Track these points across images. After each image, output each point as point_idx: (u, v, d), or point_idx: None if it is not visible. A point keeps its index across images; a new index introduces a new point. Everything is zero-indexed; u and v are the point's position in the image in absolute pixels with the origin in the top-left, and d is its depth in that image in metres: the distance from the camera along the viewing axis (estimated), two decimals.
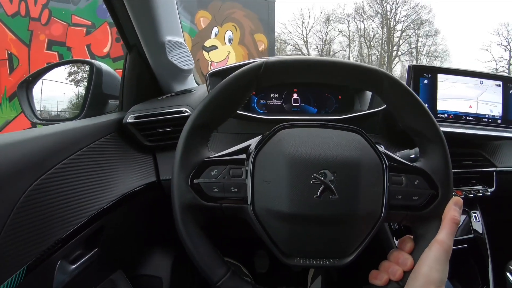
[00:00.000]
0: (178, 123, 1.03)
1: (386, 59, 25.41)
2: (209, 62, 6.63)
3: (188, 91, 1.18)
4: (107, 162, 0.92)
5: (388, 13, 24.47)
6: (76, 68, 1.20)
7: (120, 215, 0.95)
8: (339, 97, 1.19)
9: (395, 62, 25.50)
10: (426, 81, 1.06)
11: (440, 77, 1.07)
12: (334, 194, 0.60)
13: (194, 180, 0.63)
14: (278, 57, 0.65)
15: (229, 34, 6.73)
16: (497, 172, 1.20)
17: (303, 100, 1.19)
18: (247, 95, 0.67)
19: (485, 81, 1.11)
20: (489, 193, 1.18)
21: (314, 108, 1.19)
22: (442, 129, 0.66)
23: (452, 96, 1.09)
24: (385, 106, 1.04)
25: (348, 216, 0.61)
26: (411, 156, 0.88)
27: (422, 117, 0.66)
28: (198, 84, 1.39)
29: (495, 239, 1.22)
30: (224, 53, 6.73)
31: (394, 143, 1.11)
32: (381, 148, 0.67)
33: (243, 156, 0.65)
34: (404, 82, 0.73)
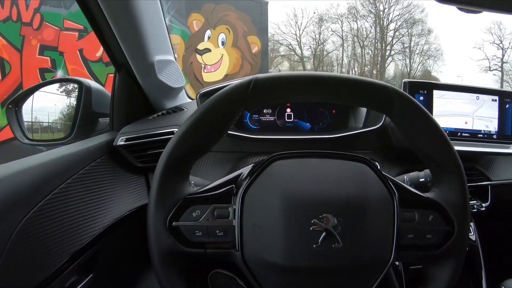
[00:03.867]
0: None
1: (379, 58, 25.43)
2: (202, 65, 6.60)
3: (179, 108, 1.16)
4: (99, 186, 0.90)
5: (381, 13, 24.48)
6: (65, 86, 1.17)
7: (115, 239, 0.93)
8: (333, 111, 1.15)
9: (388, 61, 25.54)
10: (421, 98, 1.04)
11: (436, 93, 1.05)
12: (338, 242, 0.53)
13: (173, 223, 0.56)
14: (269, 73, 0.58)
15: (222, 36, 6.72)
16: (492, 186, 1.16)
17: (297, 115, 1.16)
18: (233, 119, 0.59)
19: (481, 96, 1.09)
20: (484, 208, 1.14)
21: (308, 124, 1.15)
22: None
23: (448, 112, 1.07)
24: (382, 123, 1.01)
25: (353, 265, 0.55)
26: (420, 180, 0.82)
27: (440, 143, 0.59)
28: (190, 98, 1.36)
29: (489, 251, 1.20)
30: (218, 56, 6.72)
31: (389, 159, 1.09)
32: (390, 178, 0.61)
33: (230, 188, 0.59)
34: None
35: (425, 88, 1.05)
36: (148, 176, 1.06)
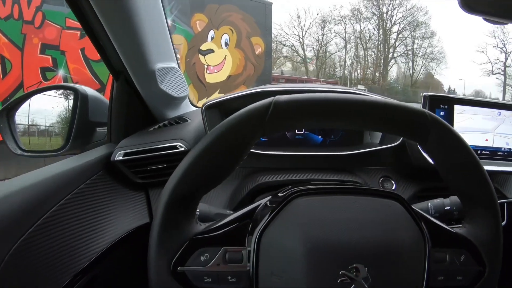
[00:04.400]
0: (172, 159, 0.94)
1: (382, 60, 25.49)
2: (205, 66, 6.56)
3: (182, 119, 1.09)
4: (95, 206, 0.84)
5: (384, 15, 24.57)
6: (60, 94, 1.11)
7: (113, 263, 0.87)
8: None
9: (391, 63, 25.60)
10: (442, 113, 0.98)
11: (457, 108, 0.99)
12: None
13: (179, 268, 0.50)
14: (291, 96, 0.50)
15: (225, 37, 6.68)
16: (508, 204, 1.07)
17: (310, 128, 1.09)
18: (248, 148, 0.51)
19: (502, 112, 1.02)
20: None
21: (320, 137, 1.09)
22: None
23: (469, 129, 1.00)
24: (401, 140, 0.95)
25: None
26: (445, 208, 0.75)
27: (478, 180, 0.53)
28: (193, 105, 1.29)
29: (504, 273, 1.13)
30: (221, 56, 6.67)
31: (404, 177, 1.03)
32: (421, 214, 0.56)
33: (244, 225, 0.53)
34: None
35: (446, 102, 0.98)
36: (148, 192, 0.99)
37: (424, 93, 0.98)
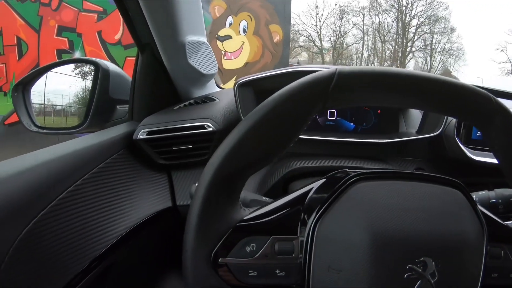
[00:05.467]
0: (199, 139, 0.88)
1: (399, 54, 25.25)
2: (223, 52, 6.47)
3: (210, 98, 1.01)
4: (114, 187, 0.80)
5: (404, 8, 24.25)
6: (80, 68, 1.05)
7: (132, 249, 0.82)
8: (379, 111, 1.01)
9: (409, 58, 25.36)
10: None
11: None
12: None
13: (220, 260, 0.44)
14: (357, 67, 0.45)
15: (244, 24, 6.58)
16: None
17: (339, 113, 1.01)
18: (306, 122, 0.45)
19: None
20: None
21: (352, 124, 1.02)
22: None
23: None
24: (441, 130, 0.88)
25: None
26: (491, 201, 0.69)
27: None
28: (219, 87, 1.22)
29: None
30: (238, 43, 6.58)
31: (438, 170, 0.96)
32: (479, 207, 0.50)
33: (296, 211, 0.46)
34: None
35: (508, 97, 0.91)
36: (171, 174, 0.93)
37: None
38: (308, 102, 0.43)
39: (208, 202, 0.43)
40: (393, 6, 24.42)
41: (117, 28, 5.24)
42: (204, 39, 1.00)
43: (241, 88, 0.90)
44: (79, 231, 0.69)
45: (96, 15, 5.33)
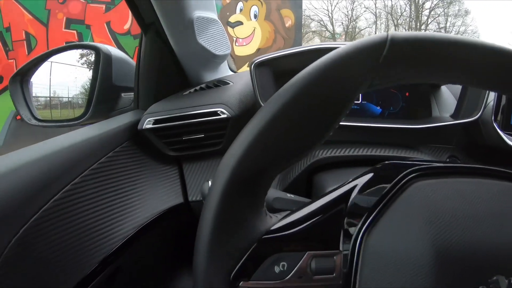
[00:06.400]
0: (212, 127, 0.81)
1: None
2: (234, 39, 6.50)
3: (223, 82, 0.94)
4: (119, 183, 0.75)
5: None
6: (84, 57, 0.99)
7: (139, 251, 0.78)
8: (407, 94, 0.93)
9: None
10: None
11: None
12: None
13: (241, 284, 0.34)
14: (414, 33, 0.35)
15: (254, 9, 6.56)
16: None
17: (365, 96, 0.94)
18: (351, 102, 0.36)
19: None
20: None
21: (378, 108, 0.94)
22: None
23: None
24: (480, 115, 0.79)
25: None
26: None
27: None
28: (233, 71, 1.14)
29: None
30: (250, 29, 6.57)
31: (471, 157, 0.90)
32: None
33: (336, 216, 0.37)
34: None
35: None
36: (182, 167, 0.88)
37: None
38: (355, 75, 0.34)
39: (224, 211, 0.33)
40: None
41: (125, 18, 5.29)
42: (214, 15, 0.92)
43: (258, 68, 0.82)
44: (82, 232, 0.65)
45: (104, 6, 5.36)
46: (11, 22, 5.33)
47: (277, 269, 0.35)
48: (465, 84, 0.45)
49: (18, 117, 5.23)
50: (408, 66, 0.35)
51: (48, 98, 1.04)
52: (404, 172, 0.38)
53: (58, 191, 0.62)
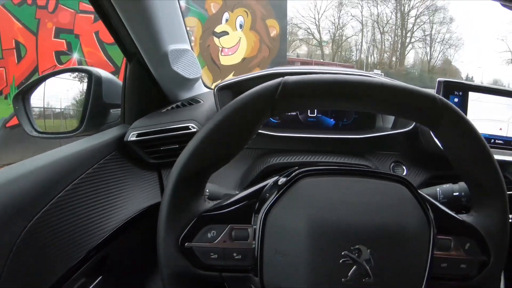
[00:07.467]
0: (184, 139, 0.94)
1: (399, 45, 25.15)
2: (220, 48, 6.55)
3: (195, 100, 1.09)
4: (108, 185, 0.86)
5: None
6: (74, 77, 1.12)
7: (125, 241, 0.89)
8: None
9: (408, 48, 25.26)
10: (456, 99, 0.96)
11: (472, 95, 0.97)
12: (369, 277, 0.47)
13: (186, 244, 0.51)
14: (301, 76, 0.49)
15: (240, 19, 6.62)
16: None
17: (320, 110, 1.08)
18: (257, 127, 0.51)
19: None
20: None
21: (332, 120, 1.08)
22: None
23: (482, 117, 0.98)
24: (413, 126, 0.94)
25: None
26: (454, 194, 0.73)
27: (486, 167, 0.53)
28: (207, 87, 1.29)
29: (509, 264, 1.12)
30: (235, 39, 6.63)
31: (416, 163, 1.02)
32: (427, 200, 0.55)
33: (251, 203, 0.53)
34: None
35: (461, 89, 0.96)
36: (161, 172, 1.00)
37: (439, 79, 0.96)
38: (257, 110, 0.49)
39: (176, 197, 0.50)
40: None
41: None
42: (186, 46, 1.07)
43: (220, 91, 0.97)
44: (77, 225, 0.75)
45: (93, 16, 5.36)
46: (1, 30, 5.34)
47: (209, 235, 0.51)
48: (347, 109, 0.56)
49: (8, 125, 5.24)
50: (299, 99, 0.50)
51: (43, 110, 1.14)
52: (297, 172, 0.53)
53: (56, 195, 0.72)
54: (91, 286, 0.80)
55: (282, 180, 0.54)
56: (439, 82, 0.96)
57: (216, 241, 0.51)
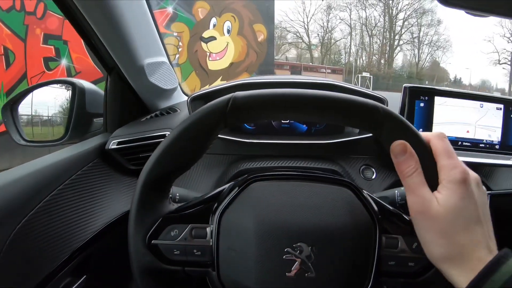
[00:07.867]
0: None
1: (387, 48, 25.22)
2: (208, 53, 6.54)
3: (173, 109, 1.15)
4: (91, 191, 0.91)
5: (390, 2, 24.17)
6: (59, 87, 1.17)
7: (107, 242, 0.93)
8: None
9: (396, 51, 25.36)
10: (422, 104, 1.00)
11: (438, 100, 1.00)
12: (311, 272, 0.52)
13: (152, 241, 0.56)
14: (250, 91, 0.54)
15: (227, 24, 6.61)
16: (492, 195, 1.06)
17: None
18: (212, 137, 0.56)
19: (485, 104, 1.03)
20: None
21: (304, 126, 1.12)
22: None
23: (449, 120, 1.02)
24: None
25: None
26: (398, 198, 0.75)
27: (428, 163, 0.52)
28: (186, 94, 1.35)
29: None
30: (223, 44, 6.63)
31: (386, 165, 1.06)
32: (376, 201, 0.59)
33: (209, 206, 0.59)
34: None
35: (426, 94, 1.00)
36: None
37: (405, 85, 1.00)
38: (211, 123, 0.53)
39: (143, 199, 0.55)
40: (379, 0, 24.40)
41: None
42: (163, 58, 1.14)
43: (193, 102, 1.03)
44: (62, 228, 0.80)
45: None
46: None
47: (172, 233, 0.56)
48: (295, 121, 0.58)
49: None
50: (248, 112, 0.54)
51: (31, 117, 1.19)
52: (249, 177, 0.60)
53: (41, 200, 0.77)
54: (76, 285, 0.84)
55: (236, 184, 0.60)
56: (405, 88, 0.99)
57: (178, 239, 0.56)
